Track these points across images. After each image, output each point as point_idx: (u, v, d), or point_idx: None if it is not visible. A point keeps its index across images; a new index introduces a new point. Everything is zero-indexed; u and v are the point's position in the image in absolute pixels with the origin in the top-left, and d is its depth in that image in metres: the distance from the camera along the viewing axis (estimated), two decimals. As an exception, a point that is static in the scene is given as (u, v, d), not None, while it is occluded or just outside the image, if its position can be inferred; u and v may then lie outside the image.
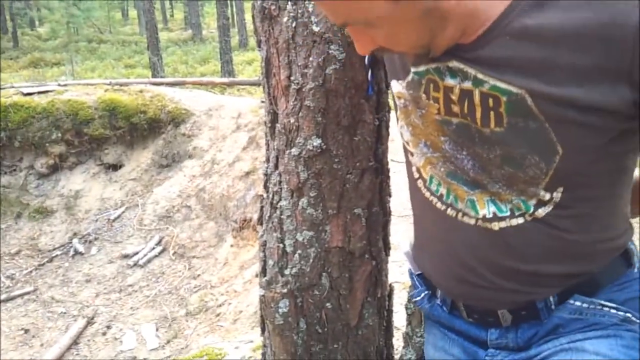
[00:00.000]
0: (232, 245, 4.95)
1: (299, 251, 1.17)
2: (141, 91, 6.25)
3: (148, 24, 13.90)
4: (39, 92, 5.87)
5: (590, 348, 0.85)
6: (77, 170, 5.90)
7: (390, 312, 1.34)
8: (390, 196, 1.27)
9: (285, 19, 1.06)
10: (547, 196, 0.81)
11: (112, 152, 5.98)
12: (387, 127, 1.21)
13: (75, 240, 5.40)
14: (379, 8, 0.70)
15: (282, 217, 1.18)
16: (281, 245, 1.19)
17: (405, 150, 0.99)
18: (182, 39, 22.96)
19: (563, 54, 0.70)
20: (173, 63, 17.10)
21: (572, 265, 0.86)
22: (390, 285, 1.34)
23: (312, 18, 1.04)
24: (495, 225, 0.85)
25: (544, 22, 0.70)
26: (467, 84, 0.78)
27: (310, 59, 1.06)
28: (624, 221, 0.90)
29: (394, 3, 0.69)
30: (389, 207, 1.27)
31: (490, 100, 0.76)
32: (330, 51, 1.05)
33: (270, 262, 1.22)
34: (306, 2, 1.04)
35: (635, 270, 0.91)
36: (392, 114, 1.24)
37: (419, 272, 1.08)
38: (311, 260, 1.17)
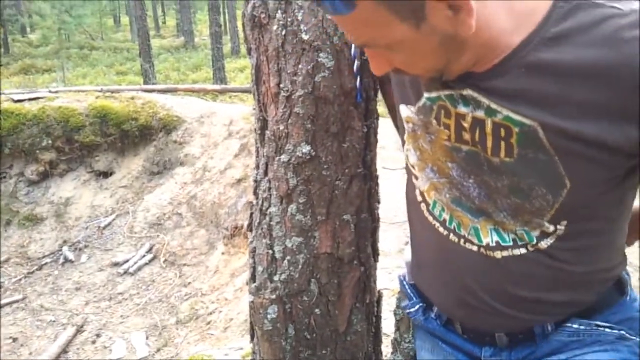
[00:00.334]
0: (223, 253, 4.94)
1: (288, 257, 1.18)
2: (132, 98, 6.24)
3: (140, 31, 13.89)
4: (30, 99, 5.84)
5: (590, 358, 0.88)
6: (67, 177, 5.86)
7: (378, 318, 1.35)
8: (379, 202, 1.28)
9: (274, 27, 1.07)
10: (551, 228, 0.82)
11: (102, 159, 5.95)
12: (376, 134, 1.22)
13: (65, 248, 5.36)
14: (400, 33, 0.71)
15: (271, 223, 1.19)
16: (270, 251, 1.20)
17: (410, 173, 1.00)
18: (174, 46, 22.97)
19: (576, 89, 0.71)
20: (165, 70, 17.11)
21: (571, 294, 0.88)
22: (379, 291, 1.35)
23: (302, 26, 1.05)
24: (498, 254, 0.86)
25: (558, 57, 0.71)
26: (480, 113, 0.79)
27: (300, 66, 1.07)
28: (620, 252, 0.92)
29: (415, 30, 0.70)
30: (378, 214, 1.28)
31: (502, 130, 0.77)
32: (319, 59, 1.06)
33: (260, 268, 1.23)
34: (295, 10, 1.05)
35: (628, 297, 0.93)
36: (381, 122, 1.26)
37: (412, 282, 1.09)
38: (300, 266, 1.17)
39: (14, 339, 4.22)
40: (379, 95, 1.22)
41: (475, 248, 0.89)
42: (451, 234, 0.91)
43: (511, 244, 0.85)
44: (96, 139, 5.80)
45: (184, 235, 5.36)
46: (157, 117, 6.06)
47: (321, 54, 1.06)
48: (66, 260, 5.24)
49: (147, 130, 6.01)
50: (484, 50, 0.75)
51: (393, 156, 4.98)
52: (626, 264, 0.94)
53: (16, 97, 5.85)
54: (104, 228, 5.56)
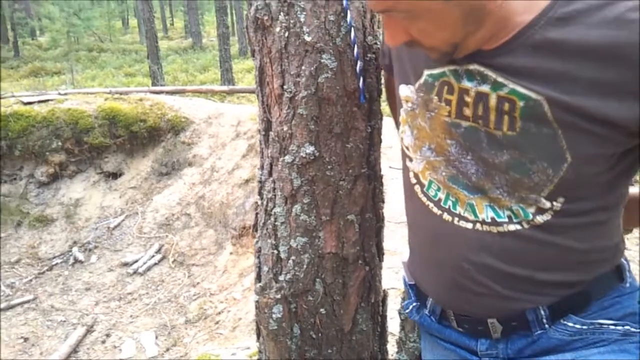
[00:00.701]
0: (231, 253, 4.95)
1: (293, 257, 1.18)
2: (141, 100, 6.27)
3: (148, 33, 13.96)
4: (39, 101, 5.89)
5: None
6: (77, 178, 5.91)
7: (384, 317, 1.35)
8: (383, 202, 1.28)
9: (277, 29, 1.08)
10: (547, 205, 0.82)
11: (112, 160, 5.99)
12: (380, 134, 1.23)
13: (75, 249, 5.40)
14: (428, 1, 0.73)
15: (276, 223, 1.20)
16: (275, 251, 1.21)
17: (404, 156, 1.01)
18: (182, 47, 23.05)
19: (583, 67, 0.73)
20: (173, 71, 17.17)
21: (566, 273, 0.87)
22: (384, 290, 1.35)
23: (304, 28, 1.06)
24: (493, 229, 0.87)
25: (565, 36, 0.74)
26: (485, 87, 0.81)
27: (303, 67, 1.08)
28: (617, 234, 0.91)
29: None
30: (382, 213, 1.28)
31: (506, 104, 0.79)
32: (322, 60, 1.07)
33: (265, 268, 1.24)
34: (298, 12, 1.06)
35: (627, 284, 0.92)
36: (387, 121, 1.26)
37: (412, 283, 1.09)
38: (305, 266, 1.18)
39: (25, 339, 4.26)
40: (383, 96, 1.23)
41: (470, 225, 0.89)
42: (445, 213, 0.92)
43: (506, 220, 0.86)
44: (105, 140, 5.85)
45: (192, 235, 5.39)
46: (165, 118, 6.09)
47: (324, 56, 1.07)
48: (76, 260, 5.28)
49: (156, 132, 6.04)
50: (499, 27, 0.77)
51: (399, 156, 4.97)
52: (624, 248, 0.94)
53: (26, 100, 5.90)
54: (113, 229, 5.60)
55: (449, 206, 0.91)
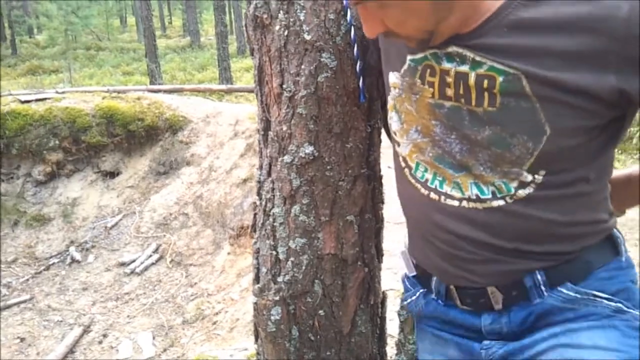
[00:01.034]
0: (229, 253, 4.94)
1: (292, 258, 1.17)
2: (139, 98, 6.25)
3: (146, 31, 13.94)
4: (37, 100, 5.87)
5: (588, 342, 0.87)
6: (74, 177, 5.89)
7: (383, 319, 1.34)
8: (382, 203, 1.27)
9: (277, 28, 1.07)
10: (529, 178, 0.85)
11: (109, 159, 5.97)
12: (379, 134, 1.22)
13: (72, 248, 5.38)
14: None
15: (275, 224, 1.19)
16: (274, 252, 1.19)
17: (393, 142, 1.04)
18: (181, 46, 23.02)
19: (556, 41, 0.76)
20: (171, 70, 17.14)
21: (551, 245, 0.90)
22: (383, 292, 1.34)
23: (304, 27, 1.05)
24: (479, 206, 0.90)
25: (538, 15, 0.77)
26: (464, 67, 0.84)
27: (302, 66, 1.07)
28: (603, 208, 0.93)
29: None
30: (382, 214, 1.27)
31: (485, 82, 0.82)
32: (321, 59, 1.06)
33: (263, 270, 1.22)
34: (298, 11, 1.04)
35: (623, 258, 0.94)
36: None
37: (414, 274, 1.10)
38: (304, 268, 1.17)
39: (22, 339, 4.25)
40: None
41: (456, 203, 0.92)
42: (432, 193, 0.95)
43: (490, 196, 0.89)
44: (103, 139, 5.82)
45: (190, 235, 5.37)
46: (163, 117, 6.07)
47: (324, 54, 1.06)
48: (73, 260, 5.26)
49: (154, 131, 6.02)
50: (470, 12, 0.81)
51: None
52: (615, 222, 0.96)
53: (23, 98, 5.88)
54: (110, 228, 5.58)
55: (436, 186, 0.94)
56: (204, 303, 4.46)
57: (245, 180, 5.42)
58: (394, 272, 2.68)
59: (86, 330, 4.33)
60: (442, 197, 0.93)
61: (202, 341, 3.95)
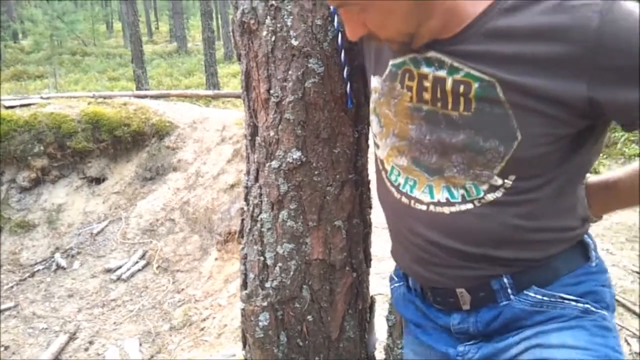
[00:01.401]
0: (216, 259, 4.91)
1: (280, 264, 1.17)
2: (125, 104, 6.21)
3: (132, 37, 13.87)
4: (21, 105, 5.80)
5: (556, 341, 0.90)
6: (59, 183, 5.82)
7: (371, 324, 1.34)
8: (370, 208, 1.27)
9: (264, 33, 1.07)
10: (499, 182, 0.87)
11: (95, 165, 5.92)
12: (367, 139, 1.22)
13: (57, 255, 5.32)
14: None
15: (262, 229, 1.18)
16: (262, 258, 1.19)
17: (374, 144, 1.06)
18: (167, 51, 22.92)
19: (530, 49, 0.79)
20: (158, 76, 17.06)
21: (519, 251, 0.91)
22: (371, 297, 1.34)
23: (291, 32, 1.05)
24: (447, 210, 0.92)
25: (513, 23, 0.80)
26: (442, 72, 0.87)
27: (290, 72, 1.07)
28: (575, 215, 0.95)
29: None
30: (370, 219, 1.27)
31: (462, 87, 0.85)
32: (309, 65, 1.06)
33: (251, 275, 1.22)
34: (285, 16, 1.05)
35: (593, 264, 0.96)
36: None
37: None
38: (292, 273, 1.17)
39: (6, 347, 4.18)
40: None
41: (424, 207, 0.94)
42: (403, 197, 0.97)
43: (459, 199, 0.91)
44: (88, 145, 5.77)
45: (177, 241, 5.33)
46: (149, 122, 6.03)
47: (311, 60, 1.06)
48: (58, 267, 5.19)
49: (140, 136, 5.98)
50: (448, 17, 0.84)
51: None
52: (587, 229, 0.97)
53: (7, 104, 5.81)
54: (96, 234, 5.52)
55: (407, 190, 0.97)
56: (191, 309, 4.42)
57: (232, 186, 5.40)
58: (382, 277, 2.69)
59: (72, 337, 4.28)
60: (412, 202, 0.96)
61: (189, 347, 3.92)
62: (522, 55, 0.80)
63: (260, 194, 1.18)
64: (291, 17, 1.04)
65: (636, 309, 2.85)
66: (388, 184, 1.01)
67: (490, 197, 0.88)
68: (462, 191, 0.90)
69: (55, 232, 5.55)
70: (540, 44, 0.78)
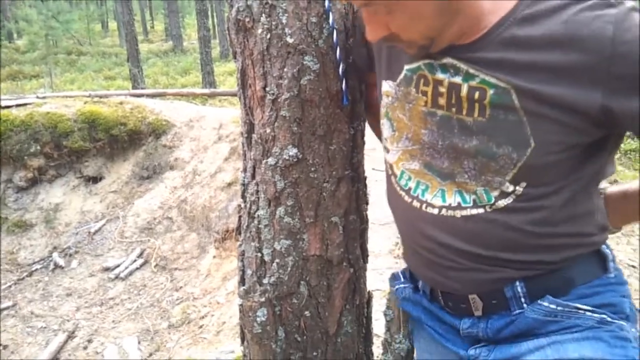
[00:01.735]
0: (214, 257, 4.92)
1: (277, 260, 1.18)
2: (121, 103, 6.20)
3: (128, 36, 13.83)
4: (17, 105, 5.79)
5: (574, 354, 0.88)
6: (56, 183, 5.82)
7: (369, 319, 1.35)
8: (367, 204, 1.28)
9: (259, 31, 1.07)
10: (510, 188, 0.88)
11: (92, 164, 5.92)
12: (363, 136, 1.23)
13: (55, 254, 5.32)
14: None
15: (259, 226, 1.19)
16: (259, 254, 1.20)
17: (384, 149, 1.06)
18: (163, 50, 22.88)
19: (546, 57, 0.80)
20: (154, 74, 17.03)
21: (529, 254, 0.91)
22: (369, 292, 1.35)
23: (286, 30, 1.05)
24: (458, 213, 0.92)
25: (529, 33, 0.81)
26: (457, 79, 0.88)
27: (285, 69, 1.07)
28: (591, 221, 0.93)
29: None
30: (366, 215, 1.28)
31: (477, 94, 0.86)
32: (304, 62, 1.07)
33: (249, 272, 1.23)
34: (280, 14, 1.05)
35: (612, 275, 0.95)
36: (367, 125, 1.26)
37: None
38: (289, 269, 1.17)
39: (4, 347, 4.18)
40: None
41: (435, 211, 0.95)
42: (414, 201, 0.98)
43: (471, 204, 0.91)
44: (85, 144, 5.77)
45: (174, 239, 5.34)
46: (146, 121, 6.03)
47: (306, 57, 1.07)
48: (56, 266, 5.20)
49: (137, 135, 5.98)
50: (470, 22, 0.85)
51: (382, 158, 4.98)
52: (605, 238, 0.96)
53: (3, 103, 5.80)
54: (94, 233, 5.53)
55: (418, 194, 0.97)
56: (190, 307, 4.43)
57: (229, 184, 5.41)
58: (379, 272, 2.70)
59: (70, 336, 4.28)
60: (423, 206, 0.96)
61: (188, 345, 3.93)
62: (538, 63, 0.80)
63: (257, 191, 1.18)
64: (286, 14, 1.05)
65: (635, 303, 2.87)
66: (398, 188, 1.02)
67: (501, 203, 0.89)
68: (473, 196, 0.91)
69: (53, 232, 5.55)
70: (556, 52, 0.79)
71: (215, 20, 23.68)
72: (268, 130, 1.12)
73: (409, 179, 0.99)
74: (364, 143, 1.24)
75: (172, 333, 4.21)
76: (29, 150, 5.58)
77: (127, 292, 4.85)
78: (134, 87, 12.72)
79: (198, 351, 3.57)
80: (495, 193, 0.89)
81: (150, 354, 3.99)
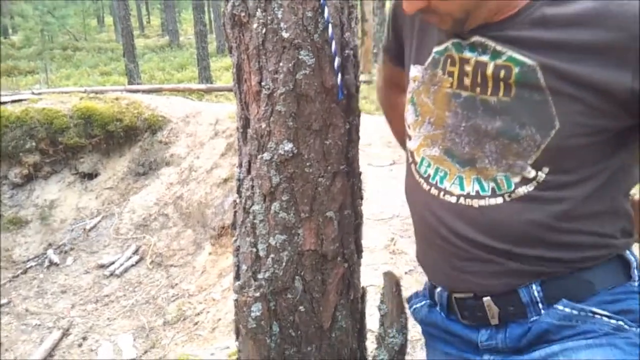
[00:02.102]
0: (210, 253, 4.92)
1: (272, 255, 1.18)
2: (117, 99, 6.18)
3: (124, 31, 13.80)
4: (13, 101, 5.77)
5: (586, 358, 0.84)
6: (52, 179, 5.80)
7: (363, 314, 1.36)
8: (362, 199, 1.28)
9: (255, 26, 1.07)
10: (532, 174, 0.85)
11: (87, 160, 5.90)
12: (358, 131, 1.23)
13: (50, 251, 5.31)
14: None
15: (255, 221, 1.19)
16: (254, 249, 1.20)
17: (407, 136, 1.06)
18: (159, 45, 22.83)
19: (574, 35, 0.79)
20: (150, 70, 16.99)
21: (547, 250, 0.88)
22: (363, 287, 1.36)
23: (282, 24, 1.05)
24: (476, 203, 0.90)
25: (560, 11, 0.81)
26: (484, 57, 0.88)
27: (281, 64, 1.07)
28: (613, 222, 0.90)
29: None
30: (361, 210, 1.28)
31: (502, 72, 0.85)
32: (300, 57, 1.07)
33: (244, 267, 1.23)
34: (275, 9, 1.05)
35: (636, 283, 0.91)
36: (367, 119, 1.26)
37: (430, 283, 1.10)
38: (284, 264, 1.17)
39: (-1, 344, 4.18)
40: (361, 93, 1.23)
41: (453, 199, 0.93)
42: (432, 188, 0.96)
43: (489, 193, 0.89)
44: (81, 140, 5.75)
45: (170, 236, 5.33)
46: (142, 117, 6.02)
47: (302, 52, 1.06)
48: (51, 263, 5.18)
49: (132, 131, 5.96)
50: (504, 1, 0.85)
51: (379, 153, 4.99)
52: (629, 244, 0.92)
53: (-2, 99, 5.77)
54: (89, 230, 5.51)
55: (437, 181, 0.96)
56: (185, 304, 4.43)
57: (226, 180, 5.40)
58: (373, 268, 2.70)
59: (65, 333, 4.28)
60: (442, 193, 0.95)
61: (183, 342, 3.93)
62: (566, 41, 0.80)
63: (253, 186, 1.18)
64: (281, 9, 1.05)
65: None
66: (417, 175, 1.00)
67: (522, 191, 0.86)
68: (492, 184, 0.89)
69: (48, 228, 5.54)
70: (585, 31, 0.78)
71: (212, 15, 23.62)
72: (263, 125, 1.12)
73: (429, 165, 0.97)
74: (358, 138, 1.24)
75: (167, 330, 4.21)
76: (24, 146, 5.55)
77: (123, 289, 4.85)
78: (130, 83, 12.69)
79: (193, 348, 3.56)
80: (517, 179, 0.86)
81: (145, 351, 3.99)
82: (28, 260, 5.25)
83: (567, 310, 0.88)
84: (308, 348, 1.23)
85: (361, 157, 1.28)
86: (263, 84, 1.10)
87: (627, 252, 0.92)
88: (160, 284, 4.84)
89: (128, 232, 5.45)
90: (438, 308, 1.06)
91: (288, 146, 1.11)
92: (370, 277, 2.42)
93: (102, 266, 5.10)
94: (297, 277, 1.19)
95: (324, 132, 1.13)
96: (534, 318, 0.90)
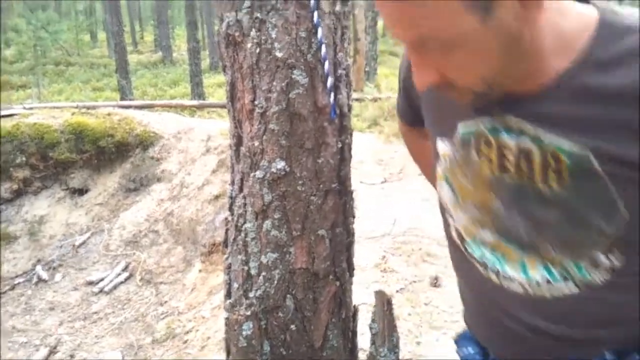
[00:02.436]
0: (200, 270, 4.88)
1: (264, 273, 1.17)
2: (109, 114, 6.18)
3: (117, 47, 13.84)
4: (4, 116, 5.75)
5: None
6: (41, 195, 5.76)
7: (354, 333, 1.35)
8: (354, 217, 1.29)
9: (249, 45, 1.08)
10: (606, 262, 0.77)
11: (78, 176, 5.87)
12: (350, 149, 1.24)
13: (38, 267, 5.25)
14: (464, 25, 0.66)
15: (246, 239, 1.19)
16: (246, 267, 1.20)
17: (442, 210, 0.97)
18: (152, 61, 22.88)
19: (624, 111, 0.68)
20: (142, 86, 17.00)
21: (620, 329, 0.82)
22: (354, 306, 1.35)
23: (275, 44, 1.06)
24: (547, 293, 0.82)
25: (605, 81, 0.69)
26: (526, 142, 0.76)
27: (274, 83, 1.08)
28: None
29: (480, 24, 0.66)
30: (353, 228, 1.29)
31: (552, 160, 0.74)
32: (293, 76, 1.08)
33: (235, 285, 1.22)
34: (269, 29, 1.06)
35: None
36: (359, 137, 1.27)
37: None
38: (276, 282, 1.17)
39: (-16, 362, 4.11)
40: (354, 111, 1.24)
41: (520, 290, 0.84)
42: (492, 275, 0.87)
43: (561, 281, 0.80)
44: (71, 155, 5.73)
45: (160, 252, 5.29)
46: (133, 133, 6.01)
47: (295, 71, 1.07)
48: (40, 279, 5.12)
49: (124, 147, 5.95)
50: (533, 65, 0.73)
51: (371, 171, 5.00)
52: None
53: (-11, 114, 5.75)
54: (78, 246, 5.46)
55: (498, 269, 0.86)
56: (175, 322, 4.39)
57: (217, 197, 5.39)
58: (365, 286, 2.70)
59: (52, 351, 4.21)
60: (505, 281, 0.85)
61: (172, 360, 3.88)
62: (616, 119, 0.68)
63: (245, 204, 1.18)
64: (275, 29, 1.06)
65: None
66: (468, 256, 0.91)
67: (597, 278, 0.77)
68: (563, 272, 0.79)
69: (37, 244, 5.48)
70: (634, 105, 0.67)
71: (205, 31, 23.76)
72: (256, 144, 1.12)
73: (484, 250, 0.87)
74: (351, 156, 1.25)
75: (156, 348, 4.16)
76: (14, 161, 5.52)
77: (111, 307, 4.79)
78: (122, 99, 12.69)
79: (183, 366, 3.52)
80: (589, 267, 0.77)
81: (134, 369, 3.93)
82: (16, 277, 5.19)
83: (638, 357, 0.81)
84: (299, 367, 1.22)
85: (353, 175, 1.28)
86: (256, 102, 1.10)
87: None
88: (150, 301, 4.79)
89: (118, 249, 5.41)
90: None
91: (280, 164, 1.12)
92: (362, 296, 2.42)
93: (91, 283, 5.05)
94: (288, 295, 1.18)
95: (317, 150, 1.14)
96: None
